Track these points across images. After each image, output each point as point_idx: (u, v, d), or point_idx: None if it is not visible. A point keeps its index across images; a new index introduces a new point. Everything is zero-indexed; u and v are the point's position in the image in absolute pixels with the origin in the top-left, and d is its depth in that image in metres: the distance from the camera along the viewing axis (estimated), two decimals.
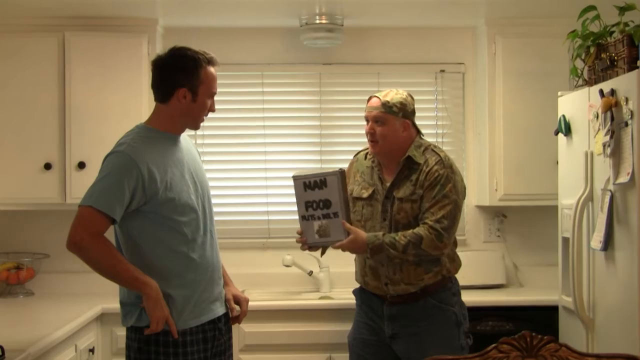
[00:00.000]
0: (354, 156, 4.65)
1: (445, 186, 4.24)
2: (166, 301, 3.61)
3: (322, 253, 4.53)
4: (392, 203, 4.32)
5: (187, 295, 3.69)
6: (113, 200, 3.57)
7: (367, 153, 4.53)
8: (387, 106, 4.31)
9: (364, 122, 4.37)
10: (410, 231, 4.21)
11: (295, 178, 4.28)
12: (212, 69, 3.77)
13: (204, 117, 3.84)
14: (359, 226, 4.35)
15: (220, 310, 3.86)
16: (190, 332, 3.68)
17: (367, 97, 4.41)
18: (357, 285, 4.56)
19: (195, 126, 3.86)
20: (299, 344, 5.11)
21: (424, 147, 4.38)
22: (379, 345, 4.38)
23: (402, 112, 4.32)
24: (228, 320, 3.93)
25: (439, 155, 4.34)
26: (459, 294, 4.40)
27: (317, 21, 5.52)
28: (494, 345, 2.78)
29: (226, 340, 3.89)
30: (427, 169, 4.28)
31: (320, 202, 4.23)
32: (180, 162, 3.78)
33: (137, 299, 3.63)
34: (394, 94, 4.35)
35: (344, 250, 4.28)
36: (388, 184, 4.35)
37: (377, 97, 4.36)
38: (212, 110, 3.84)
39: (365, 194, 4.42)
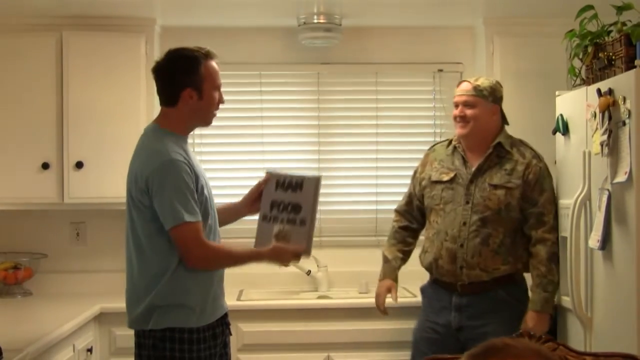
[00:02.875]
0: (430, 148, 4.77)
1: (547, 180, 4.48)
2: (195, 299, 3.72)
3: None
4: (480, 188, 4.41)
5: (209, 293, 3.78)
6: (195, 205, 3.66)
7: (449, 142, 4.63)
8: (477, 89, 4.44)
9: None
10: (543, 253, 4.41)
11: (269, 173, 4.08)
12: (212, 63, 3.81)
13: (215, 111, 3.88)
14: (438, 209, 4.47)
15: (226, 306, 3.96)
16: (202, 330, 3.74)
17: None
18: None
19: (207, 122, 3.92)
20: (297, 344, 5.11)
21: (513, 139, 4.54)
22: (444, 341, 4.42)
23: (492, 97, 4.47)
24: (227, 315, 3.99)
25: (533, 149, 4.54)
26: (527, 292, 4.47)
27: (315, 21, 5.52)
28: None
29: (227, 334, 3.97)
30: (526, 161, 4.45)
31: (290, 205, 3.96)
32: (198, 163, 3.87)
33: (180, 299, 3.70)
34: (484, 79, 4.52)
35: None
36: (474, 169, 4.45)
37: (468, 81, 4.50)
38: (222, 102, 3.89)
39: (445, 178, 4.50)
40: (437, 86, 5.91)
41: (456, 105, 4.52)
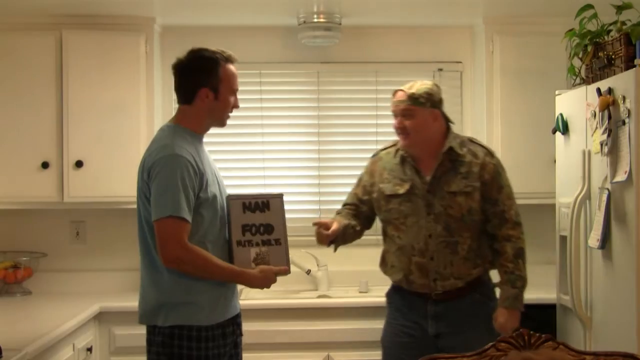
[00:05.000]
0: (374, 156, 4.59)
1: (502, 175, 4.36)
2: (204, 297, 3.73)
3: (335, 248, 4.44)
4: (439, 197, 4.28)
5: (219, 291, 3.80)
6: (186, 204, 3.65)
7: (396, 150, 4.45)
8: (413, 98, 4.26)
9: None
10: (509, 250, 4.31)
11: (231, 198, 3.96)
12: (231, 67, 3.90)
13: (229, 114, 3.96)
14: (398, 224, 4.34)
15: (239, 306, 3.97)
16: (212, 328, 3.75)
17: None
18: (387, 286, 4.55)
19: (222, 123, 3.98)
20: (297, 343, 5.11)
21: (462, 139, 4.40)
22: (420, 346, 4.24)
23: (430, 102, 4.28)
24: (240, 318, 4.00)
25: (483, 146, 4.42)
26: (495, 289, 4.44)
27: (315, 20, 5.52)
28: (491, 343, 2.78)
29: (238, 334, 3.98)
30: (479, 161, 4.32)
31: (261, 226, 3.91)
32: (209, 161, 3.91)
33: (188, 296, 3.72)
34: (419, 85, 4.32)
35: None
36: (428, 178, 4.31)
37: (403, 90, 4.31)
38: (236, 106, 3.97)
39: (401, 190, 4.34)
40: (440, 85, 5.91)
41: (394, 114, 4.35)
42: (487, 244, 4.38)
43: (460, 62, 5.91)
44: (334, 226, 4.30)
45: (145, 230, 3.75)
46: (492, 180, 4.31)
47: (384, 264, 4.51)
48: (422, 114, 4.27)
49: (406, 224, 4.32)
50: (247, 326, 4.82)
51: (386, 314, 4.52)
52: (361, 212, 4.54)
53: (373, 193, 4.46)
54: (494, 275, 4.43)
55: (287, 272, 3.94)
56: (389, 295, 4.53)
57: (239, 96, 3.98)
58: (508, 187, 4.38)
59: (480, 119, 5.69)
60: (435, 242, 4.28)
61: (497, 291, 4.38)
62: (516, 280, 4.30)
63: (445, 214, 4.27)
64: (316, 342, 5.12)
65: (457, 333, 4.27)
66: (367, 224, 4.58)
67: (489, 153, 4.39)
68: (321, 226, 4.29)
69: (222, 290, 3.81)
